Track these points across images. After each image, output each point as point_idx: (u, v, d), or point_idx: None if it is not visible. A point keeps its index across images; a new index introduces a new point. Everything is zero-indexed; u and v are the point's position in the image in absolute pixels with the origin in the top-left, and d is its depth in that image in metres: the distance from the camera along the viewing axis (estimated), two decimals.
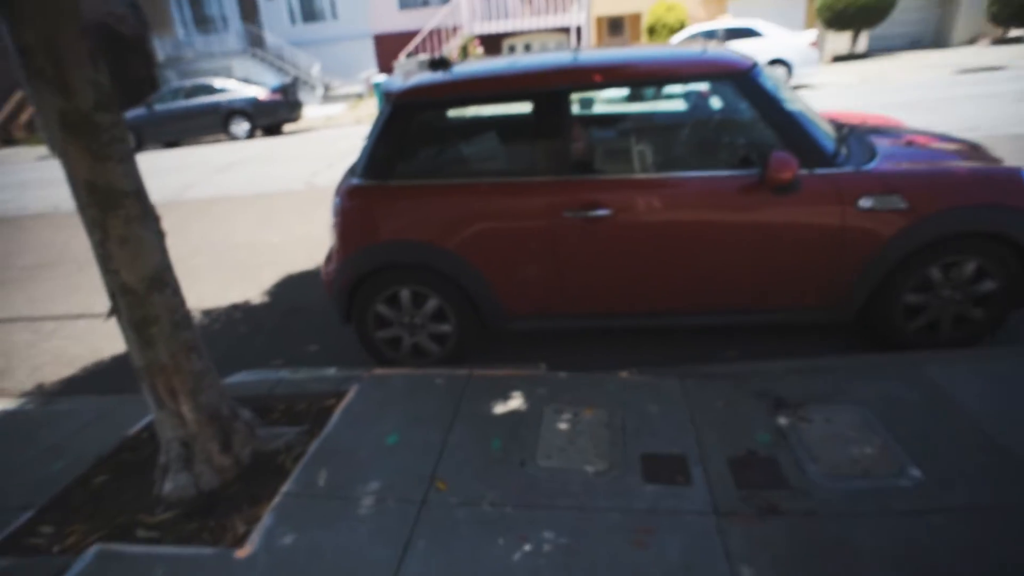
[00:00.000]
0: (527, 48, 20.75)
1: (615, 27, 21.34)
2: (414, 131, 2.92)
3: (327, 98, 21.81)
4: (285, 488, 2.35)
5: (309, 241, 5.97)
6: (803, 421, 2.49)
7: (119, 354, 4.14)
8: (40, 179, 12.96)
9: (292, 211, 7.26)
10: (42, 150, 20.36)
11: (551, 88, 2.77)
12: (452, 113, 3.31)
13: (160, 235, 2.28)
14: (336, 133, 14.33)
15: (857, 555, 1.88)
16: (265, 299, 4.78)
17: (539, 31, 19.63)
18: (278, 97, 14.84)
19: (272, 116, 15.03)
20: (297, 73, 21.64)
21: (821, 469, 2.23)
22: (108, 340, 4.35)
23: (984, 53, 15.63)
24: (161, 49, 23.58)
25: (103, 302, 5.00)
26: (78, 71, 1.98)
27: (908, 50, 18.93)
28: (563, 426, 2.53)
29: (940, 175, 2.74)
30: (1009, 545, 1.84)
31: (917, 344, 3.02)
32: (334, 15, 22.76)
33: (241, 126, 14.94)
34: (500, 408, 2.67)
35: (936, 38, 19.24)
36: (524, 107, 2.87)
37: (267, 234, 6.44)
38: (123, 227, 2.14)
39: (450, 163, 3.24)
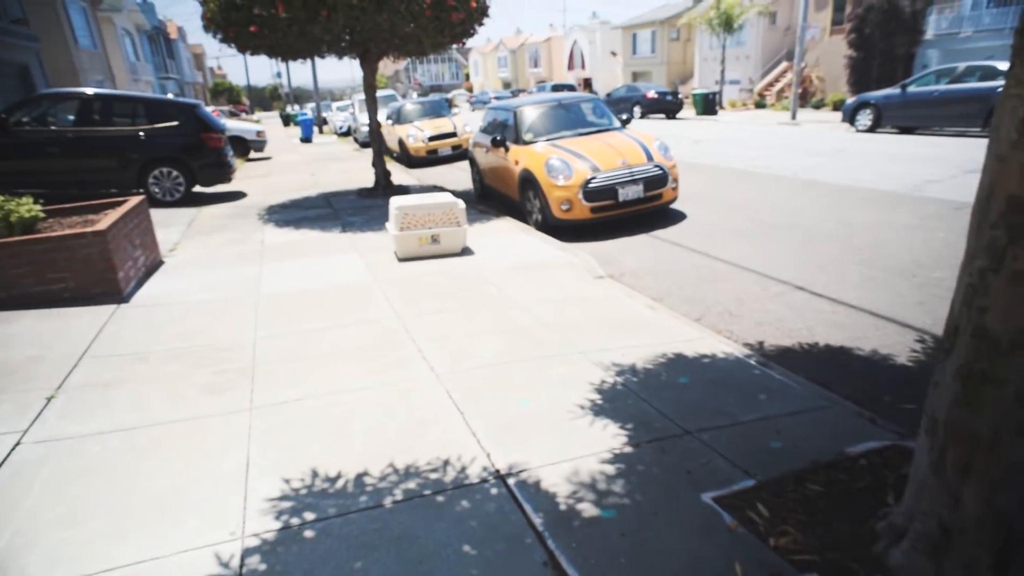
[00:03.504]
0: None
1: None
2: None
3: None
4: None
5: None
6: None
7: (834, 346, 4.00)
8: (781, 144, 14.40)
9: None
10: (783, 116, 22.73)
11: None
12: None
13: None
14: None
15: None
16: None
17: None
18: None
19: None
20: None
21: None
22: (826, 327, 4.27)
23: None
24: (934, 25, 21.91)
25: (820, 281, 5.05)
26: None
27: None
28: None
29: None
30: None
31: None
32: None
33: None
34: None
35: None
36: None
37: None
38: None
39: None
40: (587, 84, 47.59)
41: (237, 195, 11.08)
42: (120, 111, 10.08)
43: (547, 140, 7.69)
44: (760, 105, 28.82)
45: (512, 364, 3.69)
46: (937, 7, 21.63)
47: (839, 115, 22.15)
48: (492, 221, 7.64)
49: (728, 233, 6.79)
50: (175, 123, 9.90)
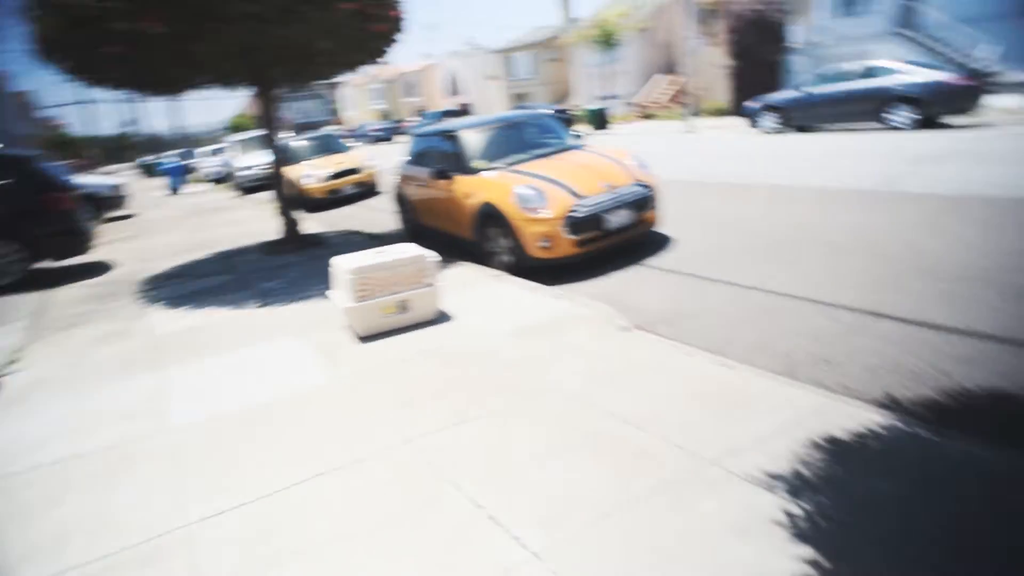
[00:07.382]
0: None
1: None
2: None
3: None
4: None
5: None
6: None
7: (997, 391, 3.06)
8: (698, 151, 14.18)
9: None
10: (679, 125, 23.12)
11: None
12: None
13: None
14: None
15: None
16: None
17: None
18: (970, 82, 12.12)
19: (948, 105, 12.47)
20: (958, 56, 17.98)
21: None
22: (954, 364, 3.32)
23: None
24: (798, 35, 23.30)
25: (892, 302, 3.88)
26: None
27: None
28: None
29: None
30: None
31: None
32: None
33: (901, 115, 12.94)
34: None
35: None
36: None
37: None
38: None
39: None
40: (466, 108, 47.03)
41: (100, 268, 8.80)
42: None
43: (504, 166, 6.45)
44: (648, 117, 29.46)
45: (638, 506, 2.36)
46: (801, 19, 23.04)
47: (729, 120, 22.98)
48: (448, 269, 6.23)
49: (738, 254, 5.86)
50: (5, 181, 7.61)
